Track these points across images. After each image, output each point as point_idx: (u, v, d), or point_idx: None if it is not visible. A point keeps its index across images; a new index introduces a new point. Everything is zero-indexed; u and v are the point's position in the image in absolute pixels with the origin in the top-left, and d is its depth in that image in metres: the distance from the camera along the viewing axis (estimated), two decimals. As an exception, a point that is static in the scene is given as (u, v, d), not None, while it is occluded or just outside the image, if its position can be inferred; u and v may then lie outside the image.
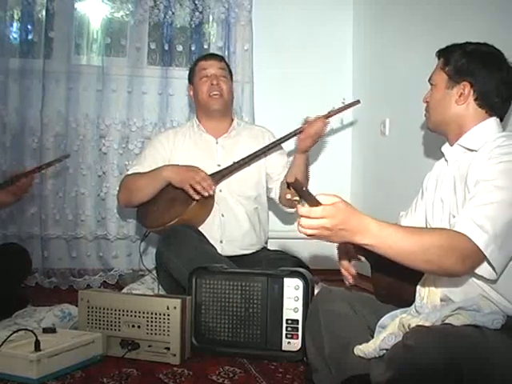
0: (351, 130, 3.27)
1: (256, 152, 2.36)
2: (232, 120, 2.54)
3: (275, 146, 2.40)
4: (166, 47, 3.01)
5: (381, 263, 1.45)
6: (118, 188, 2.51)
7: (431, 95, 1.48)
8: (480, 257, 1.19)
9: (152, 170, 2.34)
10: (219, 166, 2.39)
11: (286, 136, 2.38)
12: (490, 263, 1.19)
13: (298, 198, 1.11)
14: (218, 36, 3.05)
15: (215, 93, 2.40)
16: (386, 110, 2.87)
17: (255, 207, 2.46)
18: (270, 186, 2.51)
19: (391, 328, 1.28)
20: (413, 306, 1.38)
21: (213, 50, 3.03)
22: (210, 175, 2.29)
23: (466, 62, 1.40)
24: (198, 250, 2.13)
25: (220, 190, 2.37)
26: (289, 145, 2.54)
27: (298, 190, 1.10)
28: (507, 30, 1.88)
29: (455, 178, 1.38)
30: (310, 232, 1.13)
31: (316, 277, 2.12)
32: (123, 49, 3.07)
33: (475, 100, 1.39)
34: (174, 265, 2.11)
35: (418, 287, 1.38)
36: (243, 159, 2.35)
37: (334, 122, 2.97)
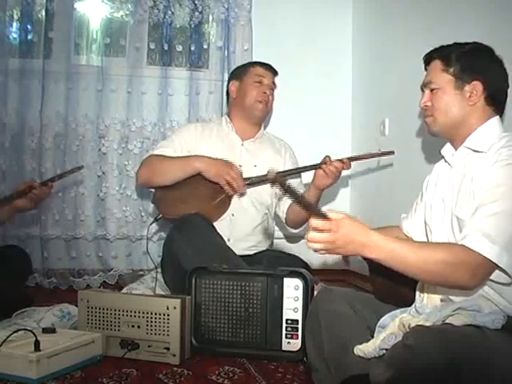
0: (351, 130, 3.28)
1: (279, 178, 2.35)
2: (260, 128, 2.57)
3: (295, 173, 2.43)
4: (166, 47, 3.01)
5: (380, 267, 1.45)
6: (137, 167, 2.45)
7: (437, 99, 1.42)
8: (491, 267, 1.19)
9: (182, 157, 2.33)
10: (241, 166, 2.38)
11: (303, 168, 2.39)
12: (505, 272, 1.19)
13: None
14: (218, 36, 3.05)
15: (263, 102, 2.44)
16: (385, 110, 2.87)
17: (265, 212, 2.47)
18: (279, 203, 2.53)
19: (391, 328, 1.28)
20: (413, 306, 1.38)
21: (212, 50, 3.04)
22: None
23: (475, 60, 1.39)
24: (209, 240, 2.13)
25: None
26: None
27: (282, 185, 1.12)
28: (508, 27, 1.88)
29: (460, 179, 1.37)
30: (317, 246, 1.19)
31: (316, 277, 2.12)
32: (123, 49, 3.07)
33: (485, 98, 1.38)
34: (184, 252, 2.09)
35: (418, 291, 1.38)
36: (265, 178, 2.30)
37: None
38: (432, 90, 1.43)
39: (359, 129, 3.20)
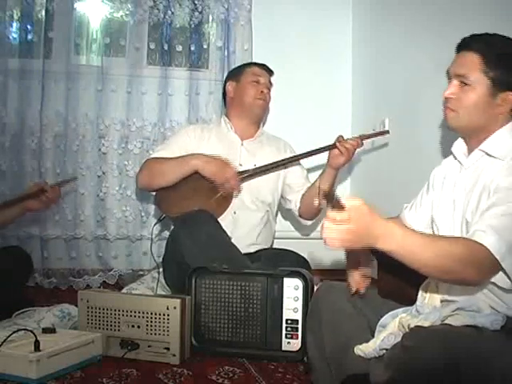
0: (351, 129, 3.27)
1: (281, 161, 2.43)
2: (259, 127, 2.61)
3: (300, 158, 2.47)
4: (166, 47, 3.01)
5: (389, 264, 1.44)
6: (137, 169, 2.52)
7: (467, 96, 1.33)
8: (496, 267, 1.17)
9: (179, 156, 2.35)
10: (241, 165, 2.42)
11: (316, 150, 2.40)
12: (506, 274, 1.18)
13: (324, 207, 1.11)
14: (218, 36, 3.05)
15: (261, 100, 2.50)
16: (385, 110, 2.86)
17: (267, 210, 2.49)
18: (289, 197, 2.56)
19: (391, 328, 1.28)
20: (414, 306, 1.37)
21: (212, 50, 3.04)
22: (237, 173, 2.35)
23: None
24: (213, 235, 2.14)
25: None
26: (307, 161, 2.61)
27: (329, 199, 1.09)
28: (510, 28, 1.88)
29: (472, 183, 1.34)
30: (334, 236, 1.09)
31: (316, 277, 2.12)
32: (123, 49, 3.06)
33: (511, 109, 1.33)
34: (188, 248, 2.09)
35: (420, 290, 1.37)
36: (266, 165, 2.40)
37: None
38: (461, 83, 1.34)
39: (359, 128, 3.20)
